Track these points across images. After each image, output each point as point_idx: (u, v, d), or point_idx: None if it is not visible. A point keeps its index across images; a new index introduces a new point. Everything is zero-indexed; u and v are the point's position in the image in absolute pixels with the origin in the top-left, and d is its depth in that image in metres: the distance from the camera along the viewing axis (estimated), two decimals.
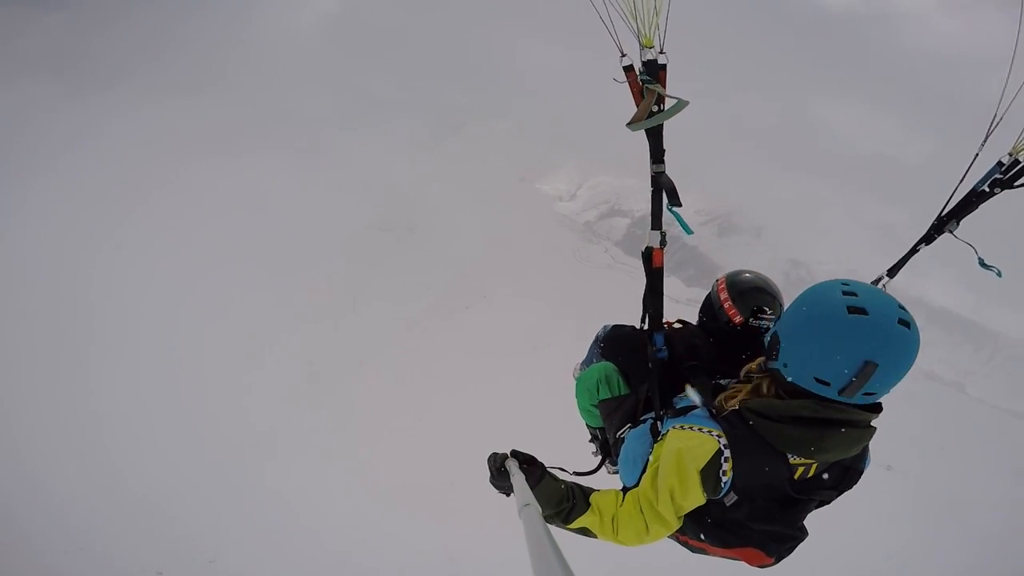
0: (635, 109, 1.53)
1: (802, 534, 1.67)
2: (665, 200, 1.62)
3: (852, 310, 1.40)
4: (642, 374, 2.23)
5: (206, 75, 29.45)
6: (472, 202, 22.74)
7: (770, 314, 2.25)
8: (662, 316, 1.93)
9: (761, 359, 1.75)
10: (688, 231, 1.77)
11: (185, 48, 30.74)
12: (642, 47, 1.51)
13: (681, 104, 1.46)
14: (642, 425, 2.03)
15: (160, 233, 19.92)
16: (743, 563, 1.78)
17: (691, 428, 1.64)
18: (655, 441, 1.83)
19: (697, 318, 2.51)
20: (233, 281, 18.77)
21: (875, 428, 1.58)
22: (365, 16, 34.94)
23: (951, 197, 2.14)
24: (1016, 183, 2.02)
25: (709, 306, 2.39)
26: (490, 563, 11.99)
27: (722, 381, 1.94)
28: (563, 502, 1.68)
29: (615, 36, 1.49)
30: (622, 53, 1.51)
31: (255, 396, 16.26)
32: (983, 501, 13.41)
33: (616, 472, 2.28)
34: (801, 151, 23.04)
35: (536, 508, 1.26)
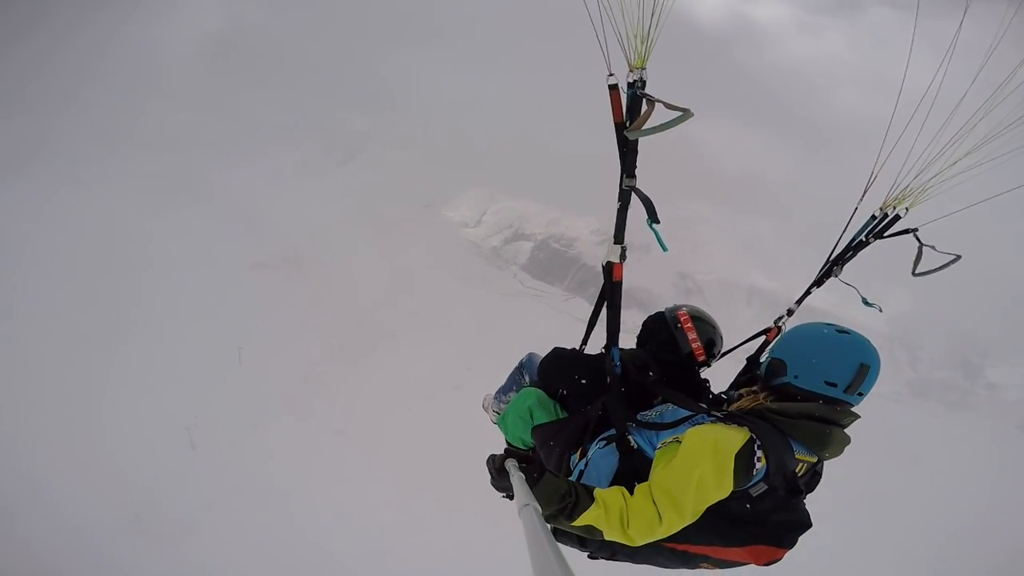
0: (612, 124, 1.73)
1: (810, 522, 1.82)
2: (643, 217, 1.80)
3: (839, 331, 1.86)
4: (590, 394, 2.31)
5: (57, 91, 24.91)
6: (371, 232, 21.36)
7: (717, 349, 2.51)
8: (619, 331, 2.03)
9: (752, 386, 2.05)
10: (664, 248, 1.92)
11: (41, 61, 25.89)
12: (631, 68, 1.71)
13: (687, 115, 1.56)
14: (607, 444, 2.08)
15: None
16: (750, 565, 1.86)
17: (719, 424, 1.79)
18: (622, 456, 1.95)
19: (638, 343, 2.59)
20: (80, 337, 15.37)
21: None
22: (251, 38, 32.30)
23: (835, 246, 2.43)
24: (886, 234, 2.35)
25: (671, 340, 2.46)
26: None
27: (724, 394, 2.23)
28: (565, 498, 1.65)
29: (607, 57, 1.70)
30: (610, 72, 1.70)
31: (122, 472, 13.38)
32: (893, 490, 15.21)
33: None
34: (679, 171, 25.37)
35: (535, 508, 1.31)
